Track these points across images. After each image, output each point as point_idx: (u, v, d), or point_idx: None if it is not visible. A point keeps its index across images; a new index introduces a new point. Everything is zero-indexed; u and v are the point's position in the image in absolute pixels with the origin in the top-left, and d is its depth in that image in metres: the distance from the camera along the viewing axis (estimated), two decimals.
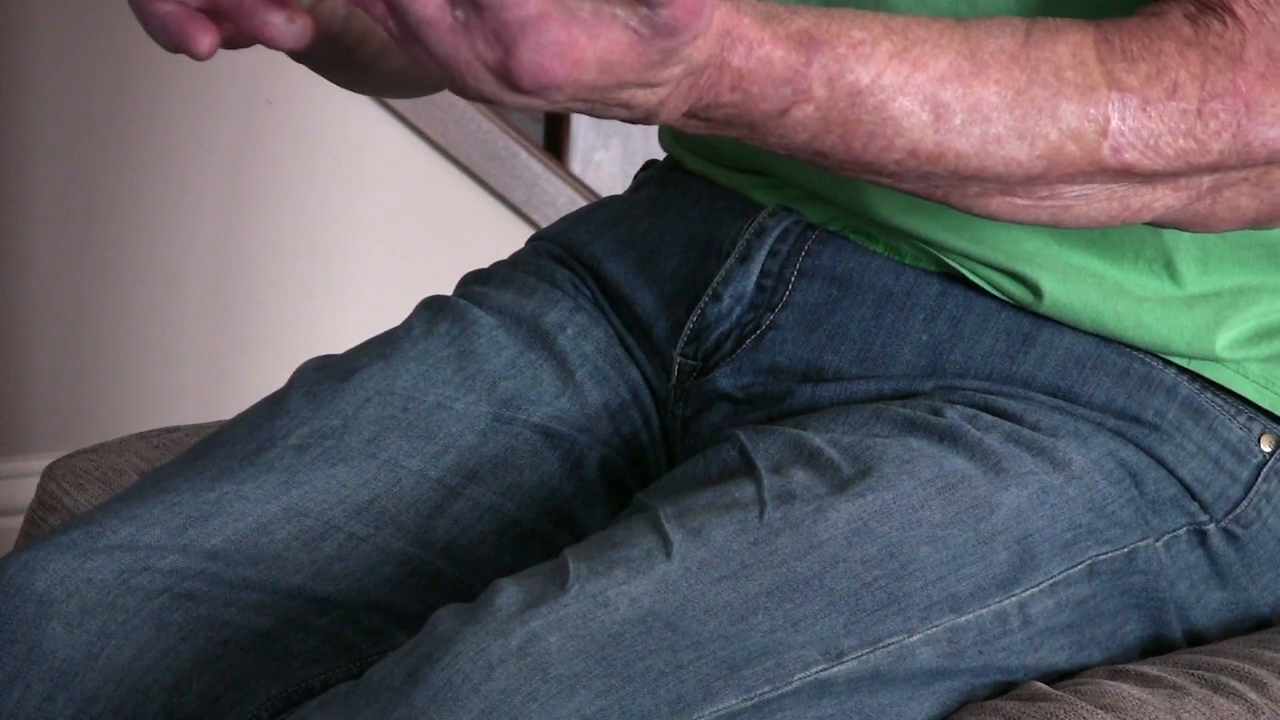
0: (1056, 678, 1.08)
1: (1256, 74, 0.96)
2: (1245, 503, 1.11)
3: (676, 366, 1.18)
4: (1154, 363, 1.11)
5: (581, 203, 2.51)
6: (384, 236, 2.50)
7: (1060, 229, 1.05)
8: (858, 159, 0.95)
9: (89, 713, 1.08)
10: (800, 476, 1.04)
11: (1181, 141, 0.96)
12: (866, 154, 0.95)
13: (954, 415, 1.08)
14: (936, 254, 1.12)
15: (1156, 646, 1.12)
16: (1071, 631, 1.07)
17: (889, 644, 1.00)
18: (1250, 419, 1.12)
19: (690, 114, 0.93)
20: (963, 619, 1.03)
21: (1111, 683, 1.06)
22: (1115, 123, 0.95)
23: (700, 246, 1.18)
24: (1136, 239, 1.10)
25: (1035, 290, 1.10)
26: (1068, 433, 1.09)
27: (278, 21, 0.94)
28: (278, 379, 1.25)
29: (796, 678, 0.98)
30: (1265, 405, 1.12)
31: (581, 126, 2.97)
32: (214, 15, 0.96)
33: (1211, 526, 1.11)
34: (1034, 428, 1.08)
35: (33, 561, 1.10)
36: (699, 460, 1.09)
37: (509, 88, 0.87)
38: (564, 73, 0.86)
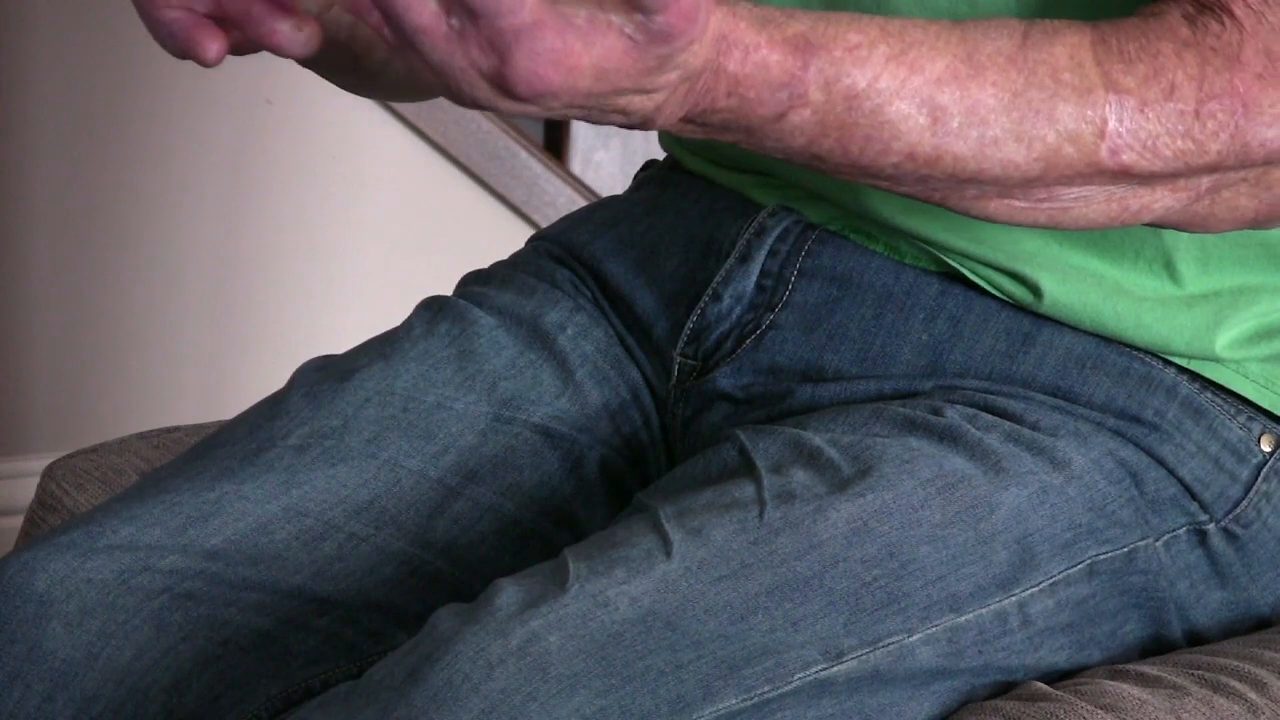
0: (1056, 678, 1.08)
1: (1254, 74, 0.96)
2: (1245, 502, 1.11)
3: (676, 366, 1.18)
4: (1154, 362, 1.11)
5: (581, 203, 2.51)
6: (384, 236, 2.50)
7: (1059, 230, 1.05)
8: (855, 162, 0.95)
9: (89, 713, 1.08)
10: (800, 476, 1.04)
11: (1179, 142, 0.96)
12: (864, 157, 0.95)
13: (954, 415, 1.08)
14: (936, 254, 1.12)
15: (1156, 646, 1.12)
16: (1071, 631, 1.07)
17: (889, 644, 1.00)
18: (1250, 419, 1.12)
19: (687, 119, 0.93)
20: (962, 619, 1.03)
21: (1111, 683, 1.06)
22: (1113, 124, 0.95)
23: (700, 246, 1.18)
24: (1136, 239, 1.10)
25: (1035, 290, 1.10)
26: (1068, 432, 1.09)
27: (285, 29, 0.94)
28: (278, 379, 1.25)
29: (796, 677, 0.98)
30: (1265, 405, 1.12)
31: (581, 126, 2.97)
32: (221, 22, 0.96)
33: (1211, 526, 1.11)
34: (1034, 427, 1.08)
35: (33, 561, 1.10)
36: (699, 460, 1.09)
37: (504, 95, 0.87)
38: (559, 80, 0.86)
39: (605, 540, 1.01)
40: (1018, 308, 1.12)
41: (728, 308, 1.16)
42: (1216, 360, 1.11)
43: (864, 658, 1.00)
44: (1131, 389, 1.10)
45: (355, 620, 1.13)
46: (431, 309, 1.23)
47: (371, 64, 1.13)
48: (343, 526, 1.13)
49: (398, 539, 1.14)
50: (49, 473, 1.32)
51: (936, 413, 1.08)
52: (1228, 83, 0.96)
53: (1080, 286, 1.10)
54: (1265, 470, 1.12)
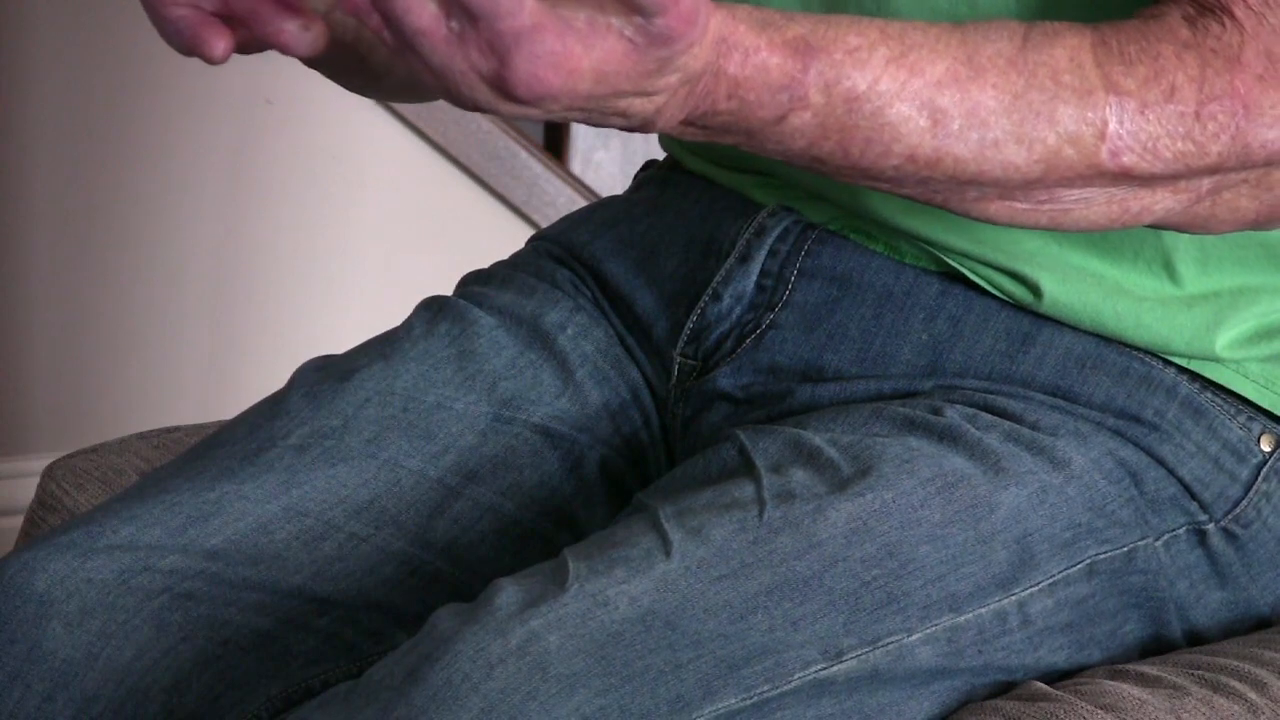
0: (1056, 677, 1.08)
1: (1255, 76, 0.96)
2: (1245, 502, 1.11)
3: (676, 366, 1.18)
4: (1154, 362, 1.11)
5: (581, 203, 2.51)
6: (384, 236, 2.50)
7: (1060, 231, 1.05)
8: (855, 165, 0.95)
9: (89, 713, 1.08)
10: (800, 476, 1.04)
11: (1180, 144, 0.96)
12: (864, 160, 0.95)
13: (954, 415, 1.08)
14: (936, 253, 1.12)
15: (1156, 646, 1.12)
16: (1071, 631, 1.07)
17: (888, 643, 1.00)
18: (1250, 419, 1.12)
19: (687, 122, 0.93)
20: (962, 618, 1.03)
21: (1111, 683, 1.06)
22: (1113, 126, 0.95)
23: (700, 246, 1.18)
24: (1136, 239, 1.10)
25: (1035, 290, 1.10)
26: (1067, 432, 1.09)
27: (292, 29, 0.94)
28: (278, 379, 1.25)
29: (796, 677, 0.98)
30: (1265, 405, 1.12)
31: (581, 127, 2.98)
32: (228, 20, 0.96)
33: (1211, 526, 1.11)
34: (1034, 427, 1.08)
35: (33, 561, 1.10)
36: (699, 460, 1.09)
37: (504, 98, 0.87)
38: (559, 83, 0.86)
39: (605, 540, 1.01)
40: (1018, 307, 1.12)
41: (728, 308, 1.16)
42: (1216, 360, 1.11)
43: (863, 657, 1.00)
44: (1131, 389, 1.10)
45: (355, 620, 1.13)
46: (431, 309, 1.23)
47: (376, 65, 1.13)
48: (343, 526, 1.13)
49: (398, 539, 1.14)
50: (49, 473, 1.32)
51: (936, 412, 1.08)
52: (1228, 84, 0.96)
53: (1080, 286, 1.10)
54: (1265, 470, 1.12)
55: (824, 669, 0.99)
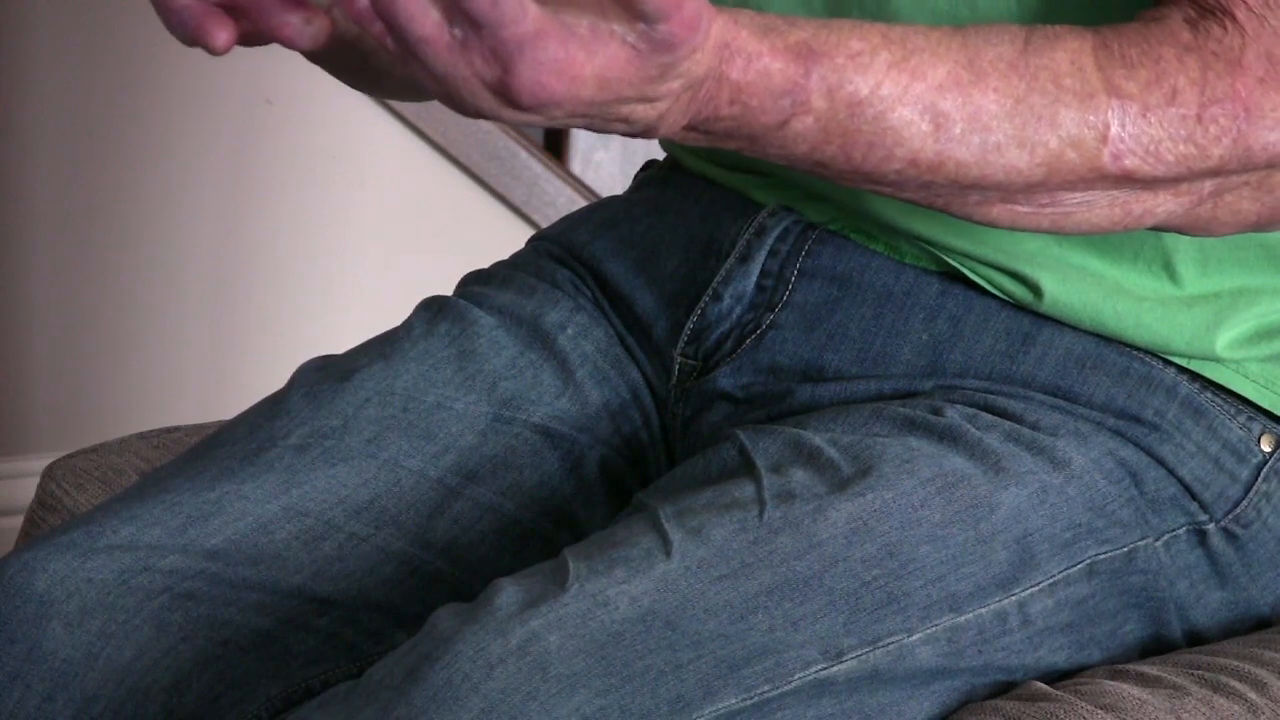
0: (1056, 677, 1.08)
1: (1256, 78, 0.96)
2: (1245, 502, 1.11)
3: (677, 366, 1.18)
4: (1154, 362, 1.11)
5: (581, 203, 2.51)
6: (384, 236, 2.50)
7: (1062, 234, 1.05)
8: (858, 169, 0.95)
9: (89, 713, 1.08)
10: (800, 476, 1.04)
11: (1182, 147, 0.96)
12: (866, 164, 0.95)
13: (954, 415, 1.08)
14: (937, 253, 1.12)
15: (1156, 646, 1.12)
16: (1071, 631, 1.07)
17: (888, 643, 1.00)
18: (1250, 419, 1.12)
19: (690, 127, 0.93)
20: (962, 618, 1.03)
21: (1111, 683, 1.06)
22: (1115, 129, 0.95)
23: (700, 246, 1.18)
24: (1136, 240, 1.10)
25: (1035, 290, 1.10)
26: (1067, 432, 1.09)
27: (295, 22, 0.94)
28: (278, 379, 1.25)
29: (796, 677, 0.98)
30: (1265, 405, 1.12)
31: None
32: (232, 11, 0.96)
33: (1211, 526, 1.11)
34: (1034, 427, 1.08)
35: (33, 561, 1.10)
36: (699, 460, 1.09)
37: (507, 105, 0.87)
38: (562, 89, 0.86)
39: (605, 540, 1.01)
40: (1018, 307, 1.12)
41: (728, 307, 1.16)
42: (1216, 360, 1.11)
43: (864, 657, 1.00)
44: (1131, 389, 1.10)
45: (355, 620, 1.13)
46: (431, 309, 1.23)
47: (379, 63, 1.13)
48: (343, 526, 1.13)
49: (398, 539, 1.14)
50: (49, 473, 1.32)
51: (936, 412, 1.08)
52: (1229, 87, 0.96)
53: (1080, 286, 1.10)
54: (1265, 470, 1.12)
55: (824, 669, 0.99)
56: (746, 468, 1.06)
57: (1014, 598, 1.05)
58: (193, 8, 0.96)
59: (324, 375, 1.19)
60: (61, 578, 1.09)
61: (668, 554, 0.99)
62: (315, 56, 1.07)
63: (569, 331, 1.21)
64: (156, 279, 2.40)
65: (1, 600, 1.09)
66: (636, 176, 1.29)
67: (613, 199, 1.27)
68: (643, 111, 0.90)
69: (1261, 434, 1.12)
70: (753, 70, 0.91)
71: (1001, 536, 1.04)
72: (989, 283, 1.11)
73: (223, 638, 1.10)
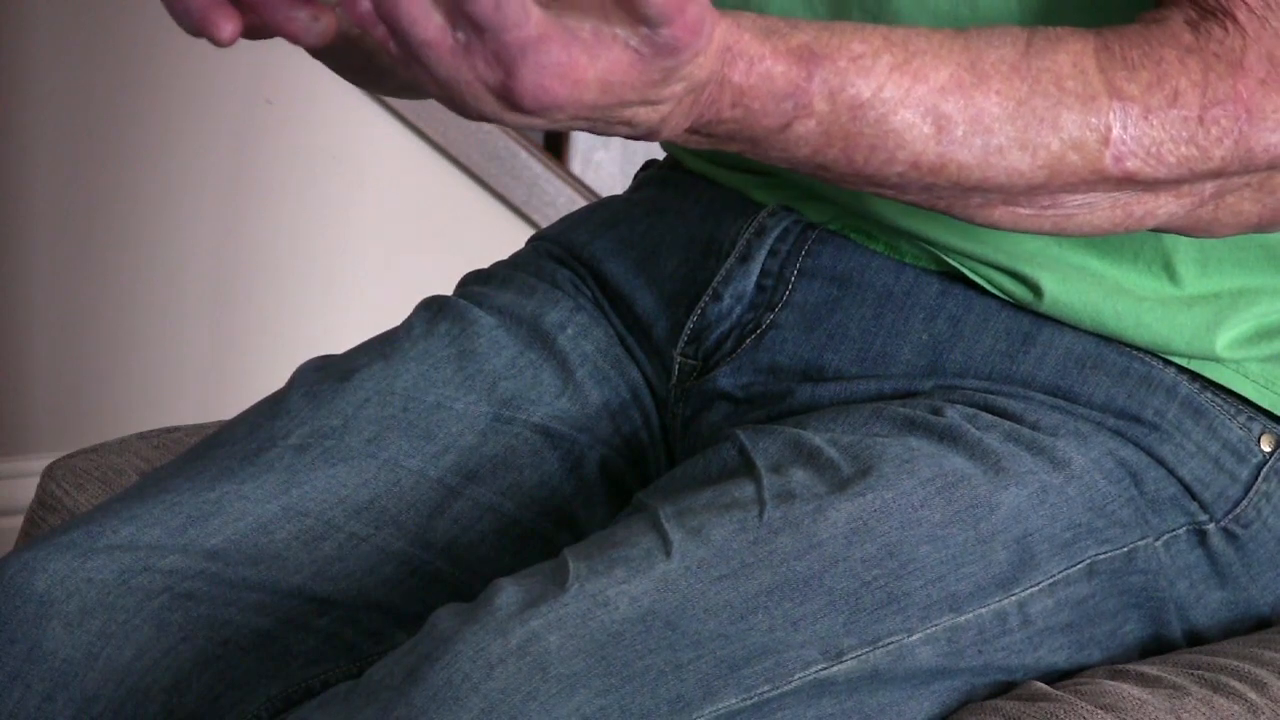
0: (1056, 677, 1.08)
1: (1257, 80, 0.96)
2: (1245, 502, 1.11)
3: (677, 366, 1.18)
4: (1154, 362, 1.11)
5: (581, 203, 2.51)
6: (384, 236, 2.50)
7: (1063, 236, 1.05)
8: (860, 172, 0.95)
9: (89, 713, 1.08)
10: (800, 476, 1.04)
11: (1183, 149, 0.96)
12: (869, 167, 0.95)
13: (954, 415, 1.08)
14: (937, 253, 1.12)
15: (1156, 646, 1.12)
16: (1071, 631, 1.07)
17: (888, 643, 1.00)
18: (1250, 419, 1.12)
19: (692, 130, 0.93)
20: (962, 618, 1.03)
21: (1111, 683, 1.06)
22: (1117, 131, 0.95)
23: (700, 246, 1.18)
24: (1136, 240, 1.10)
25: (1035, 290, 1.10)
26: (1067, 432, 1.09)
27: (303, 18, 0.94)
28: (278, 379, 1.25)
29: (796, 677, 0.98)
30: (1265, 405, 1.12)
31: None
32: (238, 4, 0.95)
33: (1211, 526, 1.11)
34: (1034, 427, 1.08)
35: (33, 561, 1.10)
36: (699, 460, 1.09)
37: (510, 108, 0.87)
38: (565, 93, 0.86)
39: (605, 540, 1.01)
40: (1018, 307, 1.12)
41: (728, 307, 1.16)
42: (1216, 360, 1.11)
43: (864, 657, 1.00)
44: (1131, 389, 1.10)
45: (355, 620, 1.13)
46: (431, 309, 1.23)
47: (382, 61, 1.13)
48: (343, 526, 1.13)
49: (398, 539, 1.14)
50: (49, 473, 1.32)
51: (936, 412, 1.08)
52: (1231, 88, 0.96)
53: (1080, 286, 1.10)
54: (1265, 470, 1.12)
55: (824, 669, 0.99)
56: (746, 468, 1.06)
57: (1014, 598, 1.05)
58: None
59: (324, 375, 1.19)
60: (61, 578, 1.09)
61: (668, 554, 0.99)
62: (318, 53, 1.07)
63: (569, 331, 1.21)
64: (156, 279, 2.40)
65: (1, 600, 1.09)
66: (636, 176, 1.29)
67: (613, 199, 1.27)
68: (645, 115, 0.90)
69: (1261, 434, 1.12)
70: (755, 73, 0.91)
71: (1001, 536, 1.04)
72: (989, 283, 1.11)
73: (223, 638, 1.10)
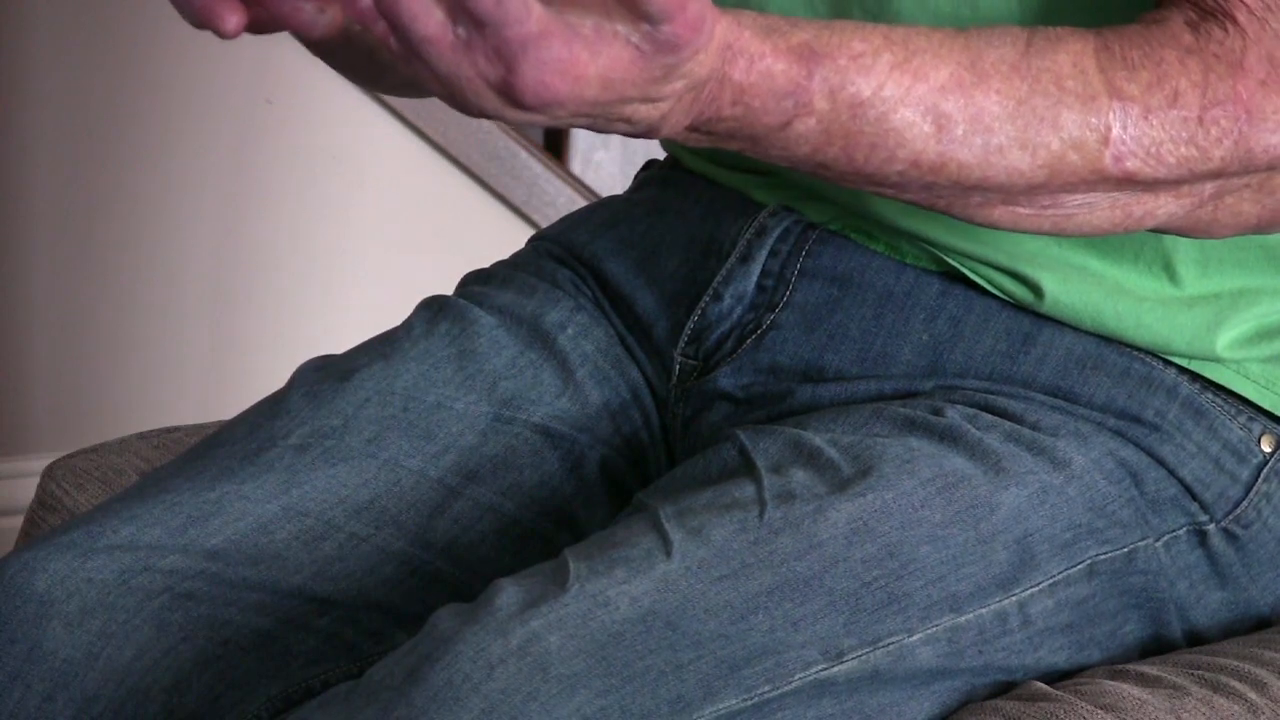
0: (1056, 678, 1.08)
1: (1257, 81, 0.96)
2: (1245, 503, 1.11)
3: (677, 366, 1.18)
4: (1154, 363, 1.11)
5: (581, 203, 2.51)
6: (384, 236, 2.50)
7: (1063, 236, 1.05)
8: (860, 170, 0.95)
9: (89, 713, 1.08)
10: (800, 476, 1.04)
11: (1183, 149, 0.96)
12: (869, 165, 0.95)
13: (954, 415, 1.08)
14: (937, 254, 1.12)
15: (1156, 646, 1.12)
16: (1071, 631, 1.07)
17: (889, 644, 1.00)
18: (1251, 419, 1.12)
19: (692, 128, 0.93)
20: (963, 619, 1.03)
21: (1111, 683, 1.06)
22: (1117, 131, 0.95)
23: (701, 246, 1.18)
24: (1136, 241, 1.10)
25: (1036, 290, 1.10)
26: (1068, 432, 1.09)
27: (308, 9, 0.93)
28: (278, 379, 1.25)
29: (796, 677, 0.98)
30: (1266, 405, 1.12)
31: None
32: None
33: (1211, 526, 1.11)
34: (1034, 427, 1.08)
35: (33, 561, 1.10)
36: (699, 460, 1.09)
37: (511, 104, 0.87)
38: (566, 89, 0.85)
39: (605, 540, 1.01)
40: (1018, 308, 1.12)
41: (728, 307, 1.16)
42: (1217, 360, 1.11)
43: (864, 658, 1.00)
44: (1132, 389, 1.10)
45: (355, 620, 1.13)
46: (431, 309, 1.23)
47: (383, 58, 1.12)
48: (343, 526, 1.13)
49: (398, 539, 1.14)
50: (49, 473, 1.32)
51: (937, 413, 1.08)
52: (1231, 89, 0.96)
53: (1081, 286, 1.10)
54: (1265, 471, 1.12)
55: (824, 669, 0.99)
56: (747, 468, 1.06)
57: (1014, 598, 1.05)
58: None
59: (324, 375, 1.19)
60: (61, 578, 1.09)
61: (668, 554, 0.99)
62: (318, 50, 1.07)
63: (569, 331, 1.21)
64: (156, 279, 2.40)
65: (1, 600, 1.09)
66: (637, 176, 1.29)
67: (613, 199, 1.27)
68: (645, 112, 0.90)
69: (1262, 434, 1.12)
70: (755, 71, 0.91)
71: (1002, 537, 1.04)
72: (989, 283, 1.11)
73: (223, 638, 1.10)
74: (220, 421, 1.26)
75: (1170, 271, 1.10)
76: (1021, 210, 0.98)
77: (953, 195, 0.97)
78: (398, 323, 1.24)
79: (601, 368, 1.20)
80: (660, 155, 1.29)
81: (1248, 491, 1.11)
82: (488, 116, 0.88)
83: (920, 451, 1.05)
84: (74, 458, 1.33)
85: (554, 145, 3.04)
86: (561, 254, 1.24)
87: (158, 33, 2.29)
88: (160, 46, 2.31)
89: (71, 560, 1.09)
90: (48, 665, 1.08)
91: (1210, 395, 1.11)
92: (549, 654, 0.94)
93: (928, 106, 0.94)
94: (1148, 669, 1.08)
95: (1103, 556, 1.07)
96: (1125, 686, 1.05)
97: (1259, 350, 1.12)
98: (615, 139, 3.00)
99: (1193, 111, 0.96)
